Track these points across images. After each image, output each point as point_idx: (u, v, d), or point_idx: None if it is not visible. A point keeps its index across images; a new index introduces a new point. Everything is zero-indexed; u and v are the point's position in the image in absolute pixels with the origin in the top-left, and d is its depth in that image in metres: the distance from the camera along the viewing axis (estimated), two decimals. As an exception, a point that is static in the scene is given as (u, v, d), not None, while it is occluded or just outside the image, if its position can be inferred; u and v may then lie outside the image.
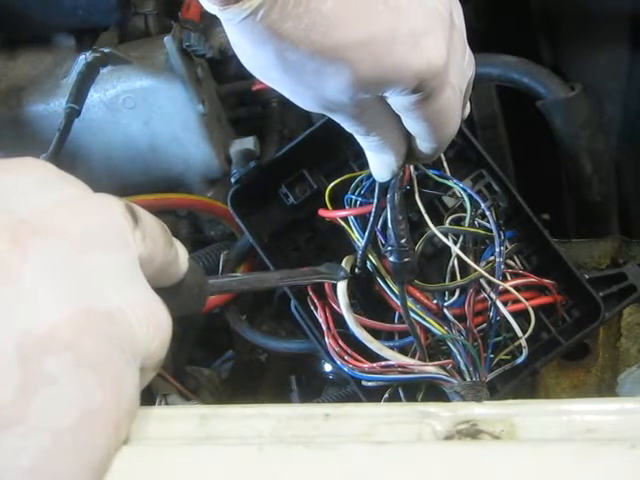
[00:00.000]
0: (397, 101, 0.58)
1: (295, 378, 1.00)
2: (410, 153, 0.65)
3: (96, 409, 0.36)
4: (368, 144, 0.63)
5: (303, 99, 0.58)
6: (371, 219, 0.73)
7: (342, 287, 0.74)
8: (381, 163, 0.65)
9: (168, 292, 0.48)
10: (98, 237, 0.41)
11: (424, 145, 0.63)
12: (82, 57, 0.90)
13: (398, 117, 0.61)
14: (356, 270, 0.76)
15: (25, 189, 0.40)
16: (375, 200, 0.71)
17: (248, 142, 0.97)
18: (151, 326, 0.42)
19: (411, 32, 0.54)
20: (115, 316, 0.39)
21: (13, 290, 0.36)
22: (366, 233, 0.74)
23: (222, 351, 1.07)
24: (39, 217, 0.39)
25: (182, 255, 0.50)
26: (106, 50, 0.91)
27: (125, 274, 0.42)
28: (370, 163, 0.67)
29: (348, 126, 0.61)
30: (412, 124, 0.61)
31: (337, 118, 0.60)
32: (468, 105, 0.68)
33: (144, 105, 0.93)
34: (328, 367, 0.94)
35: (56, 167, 0.44)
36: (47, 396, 0.35)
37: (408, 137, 0.64)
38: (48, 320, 0.36)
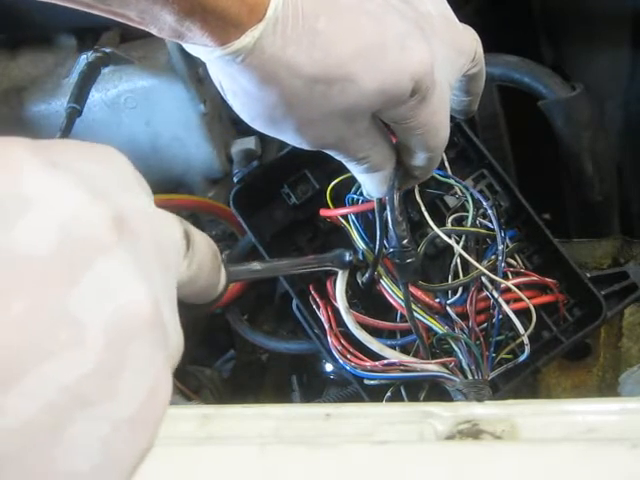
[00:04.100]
0: (394, 113, 0.59)
1: (296, 378, 1.00)
2: (406, 172, 0.66)
3: (156, 397, 0.36)
4: (361, 168, 0.64)
5: (307, 134, 0.59)
6: (378, 233, 0.72)
7: (341, 289, 0.74)
8: (375, 182, 0.66)
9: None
10: (162, 251, 0.42)
11: (421, 157, 0.63)
12: (83, 57, 0.91)
13: (387, 134, 0.63)
14: (361, 284, 0.76)
15: (115, 184, 0.40)
16: (376, 210, 0.71)
17: (249, 142, 0.98)
18: (175, 344, 0.43)
19: (395, 37, 0.56)
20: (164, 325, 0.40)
21: (109, 267, 0.35)
22: (376, 249, 0.73)
23: (223, 351, 1.07)
24: (127, 213, 0.39)
25: (222, 279, 0.50)
26: (107, 50, 0.91)
27: (168, 292, 0.42)
28: (364, 185, 0.67)
29: (344, 156, 0.62)
30: (408, 135, 0.61)
31: (337, 150, 0.61)
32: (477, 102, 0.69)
33: (145, 105, 0.93)
34: (329, 367, 0.94)
35: (132, 165, 0.44)
36: (126, 378, 0.35)
37: (397, 149, 0.65)
38: (138, 301, 0.36)
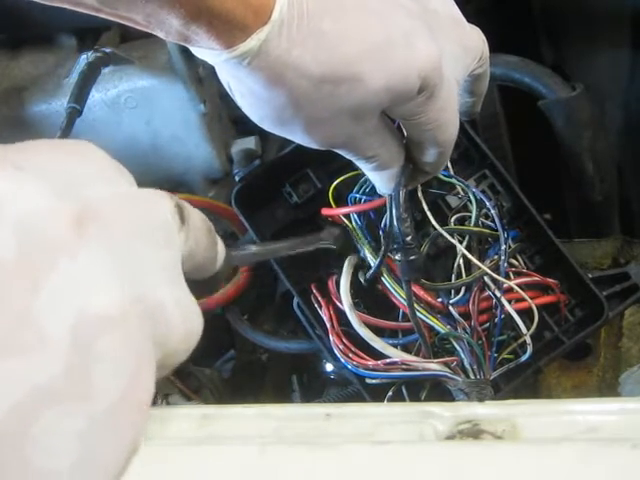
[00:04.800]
0: (403, 110, 0.59)
1: (296, 378, 1.00)
2: (416, 168, 0.66)
3: (133, 392, 0.37)
4: (370, 166, 0.64)
5: (316, 134, 0.59)
6: (388, 227, 0.72)
7: (345, 286, 0.74)
8: (385, 179, 0.66)
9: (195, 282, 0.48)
10: (149, 232, 0.41)
11: (431, 153, 0.64)
12: (84, 57, 0.91)
13: (395, 131, 0.63)
14: (363, 282, 0.76)
15: (86, 176, 0.40)
16: (388, 210, 0.71)
17: (249, 142, 0.98)
18: (185, 328, 0.42)
19: (402, 34, 0.56)
20: (157, 313, 0.40)
21: (71, 268, 0.35)
22: (380, 254, 0.74)
23: (223, 351, 1.07)
24: (98, 205, 0.39)
25: (220, 253, 0.51)
26: (108, 50, 0.91)
27: (170, 272, 0.42)
28: (373, 181, 0.68)
29: (354, 154, 0.62)
30: (418, 131, 0.61)
31: (346, 149, 0.62)
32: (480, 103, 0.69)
33: (145, 105, 0.93)
34: (329, 367, 0.94)
35: (109, 156, 0.44)
36: (96, 374, 0.35)
37: (406, 145, 0.65)
38: (102, 302, 0.36)
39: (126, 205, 0.41)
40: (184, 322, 0.42)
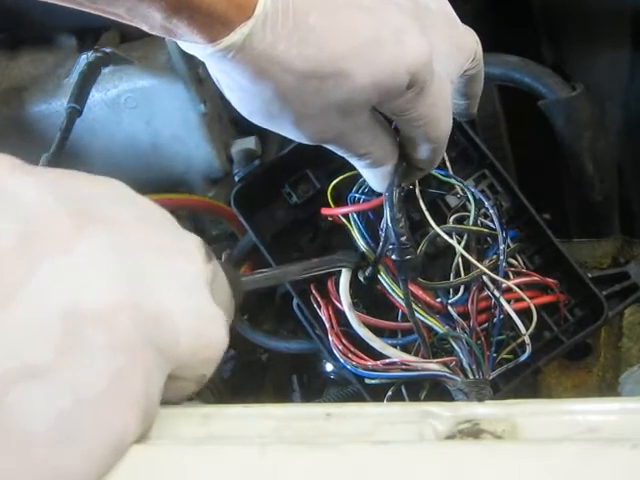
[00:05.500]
0: (393, 105, 0.58)
1: (296, 378, 1.00)
2: (410, 165, 0.66)
3: (121, 389, 0.38)
4: (363, 163, 0.64)
5: (305, 128, 0.59)
6: (385, 226, 0.72)
7: (344, 286, 0.74)
8: (378, 176, 0.66)
9: None
10: (168, 246, 0.44)
11: (424, 149, 0.63)
12: (84, 57, 0.91)
13: (388, 128, 0.63)
14: (362, 280, 0.76)
15: (102, 198, 0.43)
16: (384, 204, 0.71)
17: (249, 142, 0.98)
18: (198, 339, 0.43)
19: (392, 30, 0.55)
20: (161, 319, 0.41)
21: (67, 261, 0.37)
22: (377, 254, 0.74)
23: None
24: (106, 213, 0.41)
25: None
26: (108, 50, 0.91)
27: (189, 285, 0.44)
28: (367, 179, 0.68)
29: (345, 151, 0.62)
30: (409, 127, 0.61)
31: (337, 145, 0.61)
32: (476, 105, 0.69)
33: (145, 105, 0.93)
34: (329, 367, 0.94)
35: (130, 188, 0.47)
36: (81, 364, 0.37)
37: (399, 143, 0.65)
38: (97, 300, 0.38)
39: (142, 219, 0.44)
40: (190, 331, 0.43)
